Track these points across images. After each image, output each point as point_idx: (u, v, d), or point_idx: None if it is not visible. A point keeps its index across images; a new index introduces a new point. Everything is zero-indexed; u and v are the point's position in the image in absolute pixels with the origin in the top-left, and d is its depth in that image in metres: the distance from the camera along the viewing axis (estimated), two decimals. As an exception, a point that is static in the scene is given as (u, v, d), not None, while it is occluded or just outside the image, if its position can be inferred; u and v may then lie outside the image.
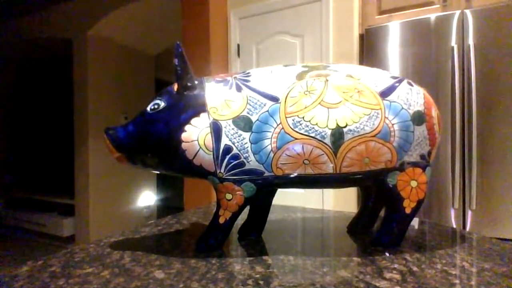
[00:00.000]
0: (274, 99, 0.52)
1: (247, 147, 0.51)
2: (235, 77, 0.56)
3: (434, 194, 1.40)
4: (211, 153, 0.51)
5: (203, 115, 0.52)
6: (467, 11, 1.35)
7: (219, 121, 0.51)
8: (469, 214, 1.34)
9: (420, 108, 0.53)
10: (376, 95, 0.52)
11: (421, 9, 1.51)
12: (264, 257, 0.52)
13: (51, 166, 3.91)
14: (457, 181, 1.35)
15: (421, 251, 0.54)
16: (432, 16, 1.43)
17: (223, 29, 1.97)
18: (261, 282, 0.42)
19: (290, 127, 0.50)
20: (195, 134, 0.51)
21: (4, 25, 3.38)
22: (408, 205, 0.54)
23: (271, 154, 0.51)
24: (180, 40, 1.56)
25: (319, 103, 0.51)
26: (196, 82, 0.55)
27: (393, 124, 0.51)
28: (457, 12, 1.37)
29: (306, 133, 0.50)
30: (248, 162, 0.51)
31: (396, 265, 0.47)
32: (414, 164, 0.53)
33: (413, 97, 0.53)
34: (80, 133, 2.94)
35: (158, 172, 0.59)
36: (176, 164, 0.54)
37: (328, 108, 0.50)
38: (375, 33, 1.55)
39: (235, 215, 0.54)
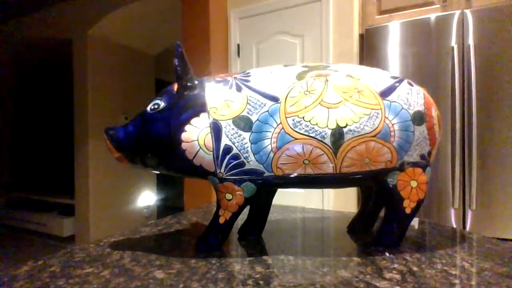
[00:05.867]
0: (274, 99, 0.52)
1: (247, 147, 0.51)
2: (235, 77, 0.56)
3: (434, 194, 1.40)
4: (211, 153, 0.51)
5: (203, 115, 0.52)
6: (467, 11, 1.35)
7: (219, 121, 0.51)
8: (469, 214, 1.34)
9: (420, 108, 0.53)
10: (376, 95, 0.52)
11: (421, 9, 1.51)
12: (264, 257, 0.52)
13: (51, 166, 3.91)
14: (457, 181, 1.35)
15: (421, 251, 0.54)
16: (432, 16, 1.43)
17: (223, 29, 1.97)
18: (261, 282, 0.42)
19: (290, 127, 0.50)
20: (195, 134, 0.51)
21: (4, 25, 3.38)
22: (408, 205, 0.54)
23: (271, 154, 0.51)
24: (180, 40, 1.56)
25: (319, 103, 0.51)
26: (196, 82, 0.55)
27: (393, 124, 0.51)
28: (457, 12, 1.37)
29: (306, 133, 0.50)
30: (248, 162, 0.51)
31: (396, 265, 0.47)
32: (414, 164, 0.53)
33: (413, 97, 0.53)
34: (80, 133, 2.94)
35: (158, 172, 0.59)
36: (176, 164, 0.54)
37: (328, 108, 0.50)
38: (375, 33, 1.55)
39: (235, 215, 0.54)
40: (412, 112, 0.52)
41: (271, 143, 0.50)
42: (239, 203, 0.53)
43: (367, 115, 0.50)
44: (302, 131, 0.50)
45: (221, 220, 0.54)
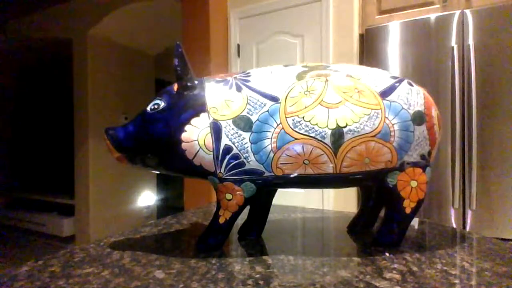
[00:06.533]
0: (274, 99, 0.52)
1: (247, 147, 0.51)
2: (235, 77, 0.56)
3: (434, 194, 1.40)
4: (211, 153, 0.51)
5: (203, 115, 0.52)
6: (467, 11, 1.35)
7: (219, 121, 0.51)
8: (469, 214, 1.34)
9: (420, 108, 0.53)
10: (376, 95, 0.52)
11: (421, 9, 1.51)
12: (264, 257, 0.52)
13: (51, 166, 3.91)
14: (457, 181, 1.35)
15: (421, 251, 0.54)
16: (432, 16, 1.43)
17: (223, 29, 1.97)
18: (261, 282, 0.42)
19: (290, 127, 0.50)
20: (195, 134, 0.51)
21: (4, 25, 3.38)
22: (408, 205, 0.54)
23: (271, 154, 0.51)
24: (180, 40, 1.56)
25: (319, 103, 0.51)
26: (196, 82, 0.55)
27: (393, 124, 0.51)
28: (457, 12, 1.37)
29: (306, 133, 0.50)
30: (248, 162, 0.51)
31: (396, 265, 0.47)
32: (414, 164, 0.53)
33: (413, 97, 0.53)
34: (80, 133, 2.94)
35: (158, 172, 0.59)
36: (176, 164, 0.54)
37: (328, 108, 0.50)
38: (375, 33, 1.55)
39: (235, 215, 0.54)
40: (412, 112, 0.52)
41: (271, 143, 0.50)
42: (239, 203, 0.53)
43: (367, 115, 0.50)
44: (302, 131, 0.50)
45: (221, 220, 0.54)
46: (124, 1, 2.69)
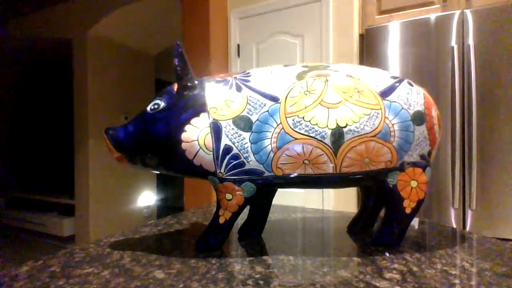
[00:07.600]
0: (274, 99, 0.52)
1: (247, 147, 0.51)
2: (235, 77, 0.56)
3: (434, 194, 1.40)
4: (211, 153, 0.51)
5: (203, 115, 0.52)
6: (467, 11, 1.35)
7: (219, 121, 0.51)
8: (469, 214, 1.34)
9: (420, 108, 0.53)
10: (376, 95, 0.52)
11: (421, 9, 1.51)
12: (264, 257, 0.52)
13: (51, 166, 3.91)
14: (457, 181, 1.35)
15: (421, 251, 0.54)
16: (432, 16, 1.43)
17: (223, 29, 1.97)
18: (261, 282, 0.42)
19: (290, 127, 0.50)
20: (195, 134, 0.51)
21: (4, 25, 3.38)
22: (408, 205, 0.54)
23: (271, 154, 0.51)
24: (180, 40, 1.56)
25: (319, 103, 0.51)
26: (196, 82, 0.55)
27: (393, 124, 0.51)
28: (457, 12, 1.37)
29: (306, 133, 0.50)
30: (248, 162, 0.51)
31: (396, 265, 0.47)
32: (414, 164, 0.53)
33: (413, 97, 0.53)
34: (80, 133, 2.94)
35: (158, 172, 0.59)
36: (176, 164, 0.54)
37: (328, 108, 0.50)
38: (375, 33, 1.55)
39: (235, 215, 0.54)
40: (412, 112, 0.52)
41: (271, 143, 0.50)
42: (239, 203, 0.53)
43: (367, 115, 0.50)
44: (302, 131, 0.50)
45: (221, 220, 0.54)
46: (124, 1, 2.69)
